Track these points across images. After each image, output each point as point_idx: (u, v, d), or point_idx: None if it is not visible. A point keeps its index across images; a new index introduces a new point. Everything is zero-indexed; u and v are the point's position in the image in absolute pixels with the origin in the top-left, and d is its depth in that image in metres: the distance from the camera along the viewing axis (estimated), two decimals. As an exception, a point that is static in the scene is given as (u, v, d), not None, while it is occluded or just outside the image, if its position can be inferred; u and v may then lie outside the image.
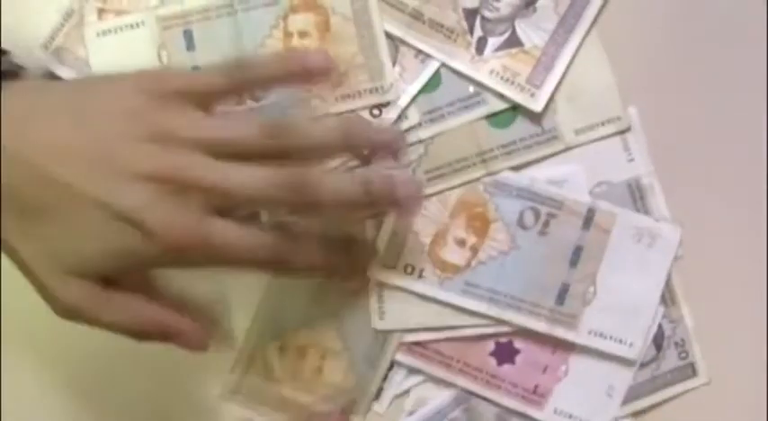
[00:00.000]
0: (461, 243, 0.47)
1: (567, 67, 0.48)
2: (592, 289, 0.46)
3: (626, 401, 0.46)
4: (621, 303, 0.46)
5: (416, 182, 0.46)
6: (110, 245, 0.36)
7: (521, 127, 0.48)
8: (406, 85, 0.48)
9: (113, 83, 0.37)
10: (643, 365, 0.46)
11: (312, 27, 0.48)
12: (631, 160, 0.48)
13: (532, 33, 0.48)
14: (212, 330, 0.41)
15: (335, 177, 0.43)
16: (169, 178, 0.36)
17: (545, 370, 0.47)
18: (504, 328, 0.47)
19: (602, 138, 0.48)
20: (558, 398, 0.47)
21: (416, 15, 0.48)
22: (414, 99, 0.48)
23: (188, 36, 0.47)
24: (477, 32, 0.48)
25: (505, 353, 0.47)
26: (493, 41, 0.48)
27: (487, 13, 0.49)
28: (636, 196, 0.48)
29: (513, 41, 0.48)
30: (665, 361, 0.46)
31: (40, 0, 0.49)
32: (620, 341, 0.46)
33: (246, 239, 0.38)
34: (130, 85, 0.37)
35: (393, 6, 0.48)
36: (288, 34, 0.48)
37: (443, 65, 0.48)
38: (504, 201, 0.47)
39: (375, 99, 0.48)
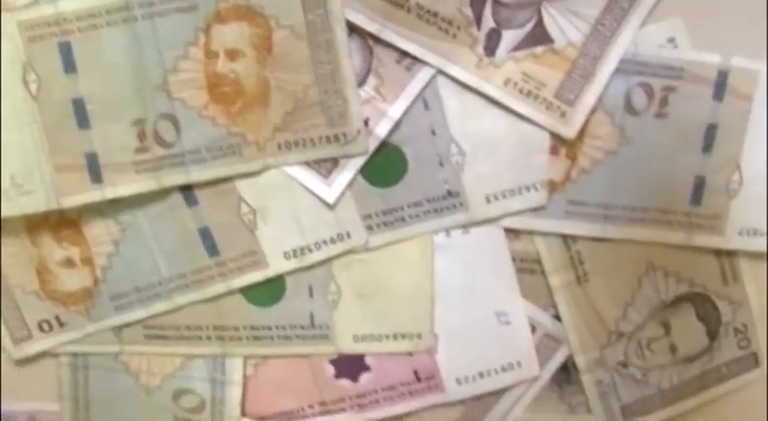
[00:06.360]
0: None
1: (611, 78, 0.37)
2: (736, 176, 0.37)
3: (669, 402, 0.40)
4: None
5: None
6: None
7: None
8: (386, 106, 0.36)
9: None
10: (690, 359, 0.39)
11: (246, 44, 0.35)
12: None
13: (567, 25, 0.36)
14: None
15: None
16: None
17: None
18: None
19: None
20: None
21: (399, 1, 0.36)
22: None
23: (65, 51, 0.34)
24: (488, 23, 0.36)
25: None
26: (509, 36, 0.36)
27: (502, -5, 0.38)
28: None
29: (539, 36, 0.37)
30: (719, 351, 0.40)
31: None
32: None
33: None
34: None
35: (365, -11, 0.36)
36: (211, 54, 0.35)
37: (439, 72, 0.37)
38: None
39: (333, 151, 0.36)
